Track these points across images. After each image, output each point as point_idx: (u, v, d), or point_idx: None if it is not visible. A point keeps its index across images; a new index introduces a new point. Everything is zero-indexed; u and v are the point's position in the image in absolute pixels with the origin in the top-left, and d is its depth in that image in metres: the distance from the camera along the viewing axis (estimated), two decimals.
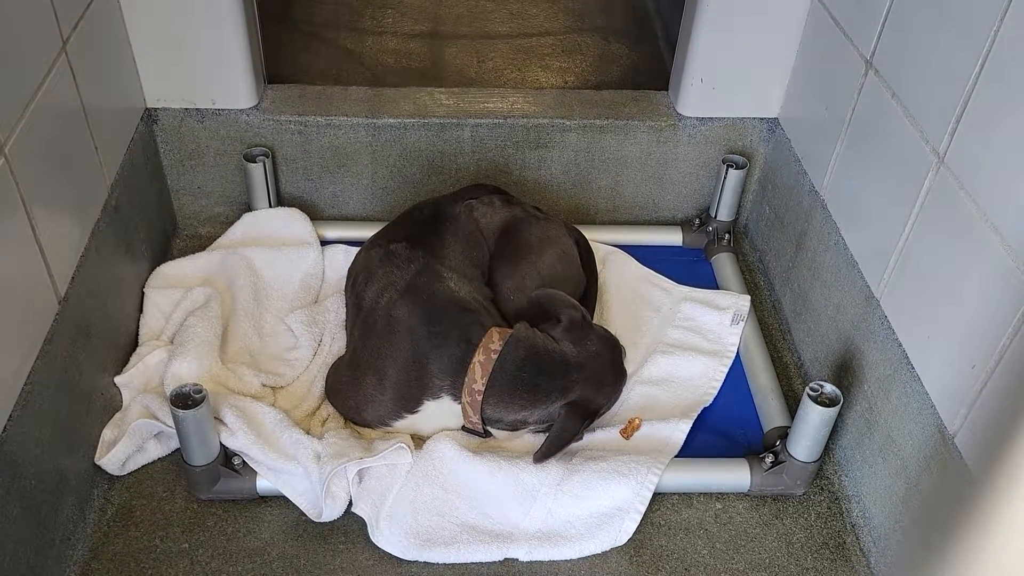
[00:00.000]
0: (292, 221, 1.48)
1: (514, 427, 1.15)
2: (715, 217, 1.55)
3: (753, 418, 1.27)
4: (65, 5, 1.11)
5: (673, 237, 1.58)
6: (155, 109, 1.44)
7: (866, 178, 1.18)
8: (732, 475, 1.17)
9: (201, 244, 1.49)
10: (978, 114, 0.93)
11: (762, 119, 1.51)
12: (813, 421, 1.10)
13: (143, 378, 1.23)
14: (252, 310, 1.34)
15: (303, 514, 1.11)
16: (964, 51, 0.95)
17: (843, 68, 1.25)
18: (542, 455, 1.12)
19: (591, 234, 1.46)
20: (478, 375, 1.10)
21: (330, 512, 1.10)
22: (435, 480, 1.12)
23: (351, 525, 1.12)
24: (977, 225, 0.92)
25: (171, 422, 1.09)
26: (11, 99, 0.97)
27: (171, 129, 1.46)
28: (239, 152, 1.49)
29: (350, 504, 1.11)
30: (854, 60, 1.21)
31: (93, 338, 1.15)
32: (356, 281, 1.26)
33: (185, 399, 1.05)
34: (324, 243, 1.47)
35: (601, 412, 1.19)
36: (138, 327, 1.32)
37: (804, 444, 1.13)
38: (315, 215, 1.53)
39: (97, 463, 1.13)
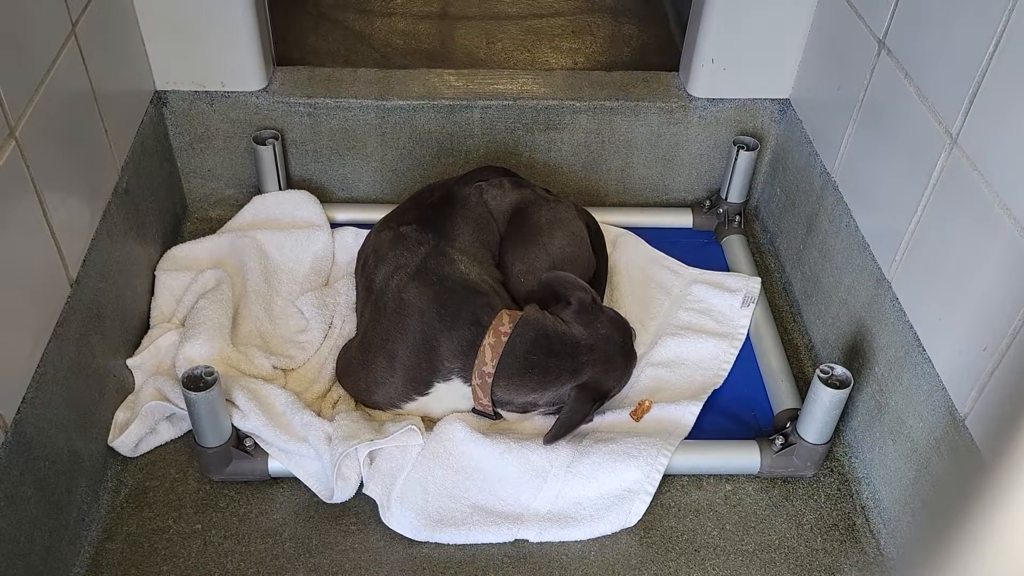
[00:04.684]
0: (302, 203, 1.48)
1: (524, 409, 1.15)
2: (726, 199, 1.55)
3: (763, 400, 1.27)
4: None
5: (683, 219, 1.58)
6: (164, 92, 1.44)
7: (878, 159, 1.17)
8: (742, 457, 1.17)
9: (211, 227, 1.49)
10: (992, 94, 0.93)
11: (773, 100, 1.50)
12: (823, 403, 1.10)
13: (155, 360, 1.24)
14: (263, 292, 1.34)
15: (315, 495, 1.12)
16: (978, 31, 0.94)
17: (855, 48, 1.23)
18: (552, 437, 1.12)
19: (601, 216, 1.46)
20: (488, 357, 1.10)
21: (341, 493, 1.11)
22: (446, 462, 1.12)
23: (362, 506, 1.12)
24: (990, 206, 0.92)
25: (183, 404, 1.09)
26: (21, 82, 0.97)
27: (181, 112, 1.46)
28: (249, 135, 1.48)
29: (361, 485, 1.12)
30: (867, 40, 1.20)
31: (105, 320, 1.16)
32: (366, 263, 1.26)
33: (197, 381, 1.05)
34: (334, 225, 1.47)
35: (611, 394, 1.19)
36: (149, 309, 1.32)
37: (814, 426, 1.13)
38: (325, 197, 1.53)
39: (110, 445, 1.14)
